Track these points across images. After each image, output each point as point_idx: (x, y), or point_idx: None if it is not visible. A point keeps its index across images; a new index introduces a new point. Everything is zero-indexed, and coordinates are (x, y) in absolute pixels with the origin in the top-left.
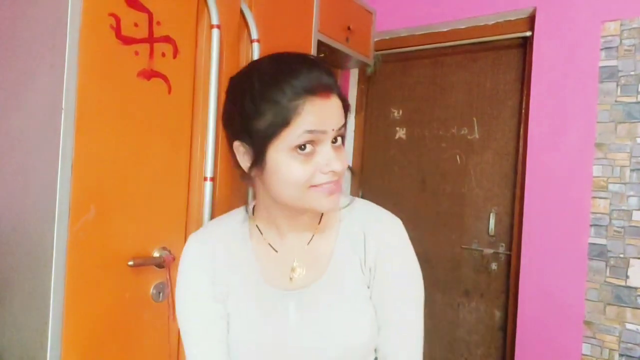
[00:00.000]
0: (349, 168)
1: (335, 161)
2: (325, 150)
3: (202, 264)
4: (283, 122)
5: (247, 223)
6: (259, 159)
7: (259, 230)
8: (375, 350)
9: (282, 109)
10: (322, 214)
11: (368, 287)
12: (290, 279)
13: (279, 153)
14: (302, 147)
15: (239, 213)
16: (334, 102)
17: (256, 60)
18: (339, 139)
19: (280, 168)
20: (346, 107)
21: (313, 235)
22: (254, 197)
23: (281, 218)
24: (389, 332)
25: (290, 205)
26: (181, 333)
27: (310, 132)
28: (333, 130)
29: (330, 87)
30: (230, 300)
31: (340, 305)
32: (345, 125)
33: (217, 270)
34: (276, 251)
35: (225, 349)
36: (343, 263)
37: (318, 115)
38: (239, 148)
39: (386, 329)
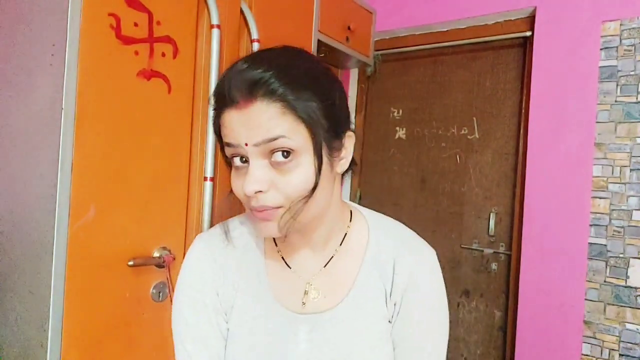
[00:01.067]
0: (354, 162)
1: (247, 182)
2: (249, 168)
3: (207, 270)
4: (217, 134)
5: (252, 238)
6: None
7: (274, 240)
8: None
9: (214, 120)
10: (346, 233)
11: (389, 322)
12: (303, 303)
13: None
14: (240, 158)
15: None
16: (252, 111)
17: None
18: (283, 155)
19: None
20: (303, 110)
21: (332, 257)
22: None
23: (292, 232)
24: None
25: None
26: (174, 337)
27: (228, 144)
28: (247, 145)
29: (250, 95)
30: (234, 315)
31: (356, 338)
32: (287, 136)
33: (224, 280)
34: (290, 267)
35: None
36: (365, 292)
37: (232, 127)
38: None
39: None
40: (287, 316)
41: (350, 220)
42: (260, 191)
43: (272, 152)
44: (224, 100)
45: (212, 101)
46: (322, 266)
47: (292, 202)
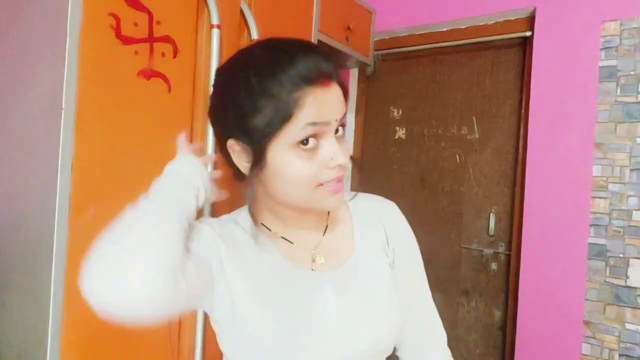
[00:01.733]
0: (351, 157)
1: (340, 154)
2: (329, 144)
3: (204, 228)
4: (284, 117)
5: (251, 224)
6: (259, 158)
7: (267, 227)
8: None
9: (282, 103)
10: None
11: (391, 267)
12: (313, 269)
13: (281, 151)
14: (304, 142)
15: (239, 214)
16: (335, 90)
17: (247, 49)
18: (341, 129)
19: (284, 167)
20: (346, 94)
21: (327, 227)
22: (248, 197)
23: (289, 218)
24: (415, 311)
25: (296, 206)
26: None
27: (313, 124)
28: (336, 120)
29: (330, 74)
30: (254, 292)
31: (371, 284)
32: (345, 113)
33: (235, 257)
34: (292, 243)
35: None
36: (367, 246)
37: (319, 106)
38: (234, 147)
39: (412, 309)
40: (310, 277)
41: None
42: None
43: (338, 127)
44: (309, 77)
45: (287, 84)
46: (320, 236)
47: (345, 172)
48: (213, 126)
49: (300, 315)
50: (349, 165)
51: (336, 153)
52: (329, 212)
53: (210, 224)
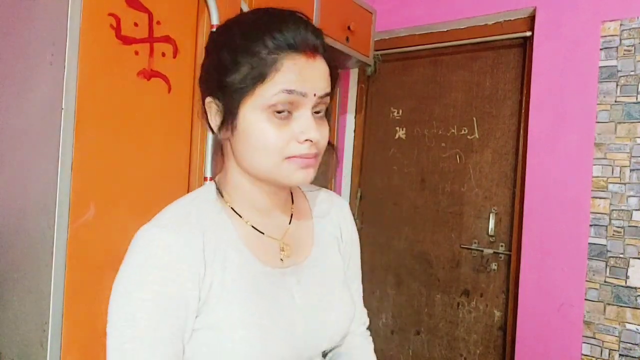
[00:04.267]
0: (331, 145)
1: (313, 130)
2: (303, 117)
3: (179, 256)
4: (259, 77)
5: (220, 208)
6: (229, 116)
7: (236, 213)
8: None
9: (260, 62)
10: (292, 194)
11: (344, 261)
12: (281, 259)
13: (252, 112)
14: (279, 109)
15: (200, 197)
16: (319, 65)
17: (241, 13)
18: (323, 110)
19: (253, 130)
20: (334, 76)
21: (292, 215)
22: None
23: (259, 196)
24: (356, 294)
25: (262, 178)
26: (116, 350)
27: (289, 91)
28: (315, 95)
29: (317, 47)
30: (221, 292)
31: (331, 277)
32: (331, 95)
33: (203, 262)
34: (262, 233)
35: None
36: (324, 240)
37: (299, 74)
38: (211, 105)
39: (355, 293)
40: (276, 275)
41: None
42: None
43: (317, 105)
44: (290, 42)
45: (269, 44)
46: (287, 224)
47: (322, 152)
48: (199, 87)
49: (272, 315)
50: (323, 150)
51: (308, 127)
52: (292, 202)
53: (179, 240)
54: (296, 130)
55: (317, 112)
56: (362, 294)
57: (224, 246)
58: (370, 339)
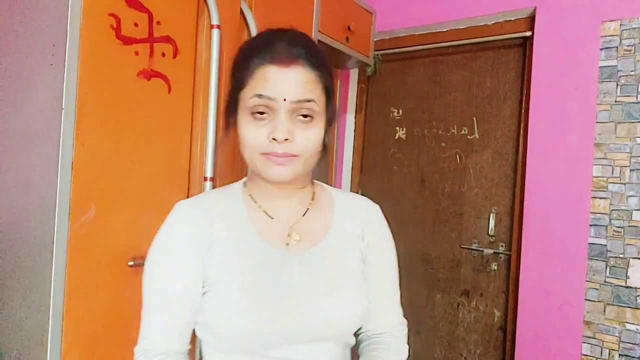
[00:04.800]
0: (324, 148)
1: (279, 130)
2: (277, 119)
3: (189, 226)
4: (240, 83)
5: (240, 194)
6: (229, 115)
7: (253, 199)
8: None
9: (244, 72)
10: (314, 192)
11: (363, 262)
12: (287, 244)
13: (241, 113)
14: (259, 112)
15: (229, 187)
16: (294, 72)
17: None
18: (310, 114)
19: (241, 129)
20: (327, 86)
21: (308, 209)
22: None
23: (269, 189)
24: (381, 300)
25: (253, 170)
26: (145, 296)
27: (259, 96)
28: (285, 100)
29: (294, 57)
30: (225, 266)
31: (338, 270)
32: (316, 102)
33: (210, 237)
34: (272, 218)
35: (193, 316)
36: (341, 235)
37: (269, 81)
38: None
39: (378, 298)
40: (278, 254)
41: (314, 185)
42: (287, 139)
43: (299, 110)
44: (265, 54)
45: (250, 55)
46: (300, 215)
47: (307, 155)
48: None
49: (263, 288)
50: (306, 151)
51: (274, 128)
52: (313, 197)
53: (193, 216)
54: (268, 129)
55: (303, 116)
56: (395, 295)
57: (235, 223)
58: (403, 340)
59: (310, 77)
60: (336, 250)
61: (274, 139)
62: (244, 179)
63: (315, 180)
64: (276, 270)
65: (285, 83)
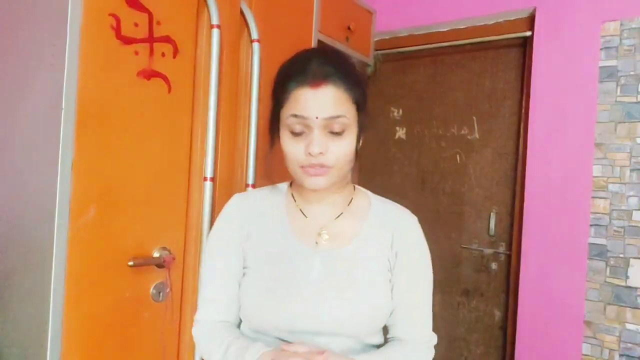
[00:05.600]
0: (355, 155)
1: (313, 145)
2: (312, 135)
3: (235, 215)
4: (279, 104)
5: (284, 193)
6: (273, 131)
7: (293, 198)
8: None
9: (282, 94)
10: (352, 197)
11: (389, 271)
12: (317, 243)
13: (282, 131)
14: (295, 130)
15: (279, 185)
16: (324, 92)
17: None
18: (341, 129)
19: (282, 143)
20: (356, 98)
21: (342, 213)
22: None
23: (305, 192)
24: (405, 310)
25: (294, 179)
26: (202, 271)
27: (294, 116)
28: (317, 117)
29: (323, 78)
30: (257, 250)
31: (360, 272)
32: (347, 116)
33: (251, 223)
34: (306, 216)
35: (236, 291)
36: (370, 240)
37: (302, 102)
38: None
39: (402, 308)
40: (304, 250)
41: (354, 191)
42: (321, 153)
43: (331, 125)
44: (299, 76)
45: (285, 79)
46: (334, 218)
47: (340, 165)
48: None
49: (282, 281)
50: (337, 162)
51: (309, 144)
52: (350, 202)
53: (242, 205)
54: (305, 146)
55: (334, 132)
56: (421, 308)
57: (273, 218)
58: (428, 351)
59: (339, 94)
60: (360, 255)
61: (309, 153)
62: (290, 181)
63: (358, 187)
64: (298, 265)
65: (317, 103)
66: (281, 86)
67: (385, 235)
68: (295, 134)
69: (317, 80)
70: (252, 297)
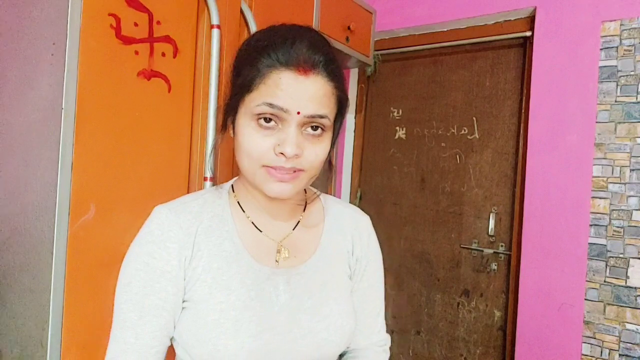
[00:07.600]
0: (330, 165)
1: (288, 144)
2: (286, 131)
3: (168, 236)
4: (247, 85)
5: (226, 198)
6: (228, 116)
7: (241, 207)
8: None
9: (252, 72)
10: (306, 202)
11: (350, 278)
12: (277, 260)
13: (243, 117)
14: (265, 119)
15: (215, 190)
16: (313, 82)
17: (260, 30)
18: (321, 128)
19: (242, 133)
20: (340, 97)
21: (298, 222)
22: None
23: (260, 196)
24: (367, 318)
25: (249, 181)
26: (116, 310)
27: (270, 105)
28: (299, 113)
29: (312, 63)
30: (207, 278)
31: (326, 288)
32: (329, 117)
33: (193, 246)
34: (260, 230)
35: (170, 334)
36: (330, 251)
37: (284, 89)
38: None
39: (364, 315)
40: (264, 271)
41: (306, 194)
42: (297, 155)
43: (310, 123)
44: (280, 56)
45: (260, 54)
46: (290, 230)
47: (313, 171)
48: None
49: (253, 309)
50: (312, 168)
51: (285, 141)
52: (304, 208)
53: (177, 221)
54: (275, 141)
55: (313, 129)
56: (380, 314)
57: (220, 236)
58: (384, 354)
59: (327, 89)
60: (324, 268)
61: (281, 153)
62: (231, 181)
63: (308, 187)
64: (261, 290)
65: (302, 95)
66: (252, 62)
67: (344, 241)
68: (263, 126)
69: (307, 66)
70: (210, 337)
